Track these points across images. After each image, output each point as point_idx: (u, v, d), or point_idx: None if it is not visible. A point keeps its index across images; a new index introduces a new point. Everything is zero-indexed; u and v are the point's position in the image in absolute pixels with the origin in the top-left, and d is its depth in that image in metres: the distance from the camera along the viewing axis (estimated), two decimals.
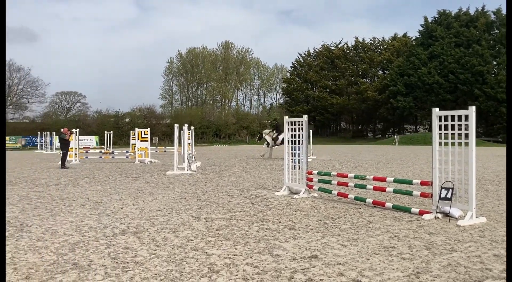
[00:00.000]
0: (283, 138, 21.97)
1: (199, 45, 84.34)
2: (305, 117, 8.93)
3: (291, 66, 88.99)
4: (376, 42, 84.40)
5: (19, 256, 4.58)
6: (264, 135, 23.47)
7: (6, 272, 4.02)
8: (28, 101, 63.22)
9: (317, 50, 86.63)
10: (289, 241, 5.17)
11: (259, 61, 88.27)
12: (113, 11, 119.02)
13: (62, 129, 19.25)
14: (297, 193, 8.88)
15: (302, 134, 9.06)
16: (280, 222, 6.30)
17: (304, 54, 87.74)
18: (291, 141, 9.46)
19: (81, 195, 9.34)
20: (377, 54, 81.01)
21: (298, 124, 9.15)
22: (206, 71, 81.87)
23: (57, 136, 21.71)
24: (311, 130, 25.90)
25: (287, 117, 9.66)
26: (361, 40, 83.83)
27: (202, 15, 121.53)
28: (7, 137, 51.83)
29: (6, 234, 5.61)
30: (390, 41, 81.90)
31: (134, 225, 6.13)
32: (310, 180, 8.93)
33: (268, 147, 22.94)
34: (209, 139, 65.87)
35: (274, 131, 23.02)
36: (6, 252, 4.71)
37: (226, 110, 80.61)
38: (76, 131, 21.59)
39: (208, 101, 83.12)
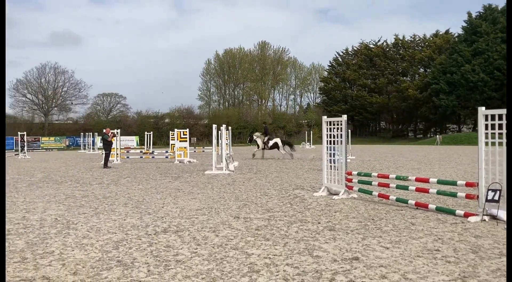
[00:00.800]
0: (273, 143, 23.19)
1: (236, 46, 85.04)
2: (344, 117, 8.81)
3: (329, 65, 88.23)
4: (417, 39, 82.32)
5: (66, 252, 4.76)
6: (255, 138, 24.41)
7: (55, 268, 4.19)
8: (72, 103, 65.61)
9: (355, 49, 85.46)
10: (329, 242, 5.12)
11: (295, 60, 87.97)
12: (153, 14, 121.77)
13: (104, 130, 19.86)
14: (336, 194, 8.77)
15: (341, 134, 8.95)
16: (319, 223, 6.24)
17: (342, 52, 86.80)
18: (330, 141, 9.35)
19: (123, 194, 9.60)
20: (418, 52, 78.98)
21: (337, 124, 9.05)
22: (242, 71, 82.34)
23: (100, 137, 22.59)
24: (349, 130, 25.65)
25: (325, 117, 9.56)
26: (401, 38, 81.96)
27: (239, 16, 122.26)
28: (52, 138, 54.05)
29: (54, 231, 5.85)
30: (431, 38, 79.63)
31: (175, 223, 6.24)
32: (350, 180, 8.80)
33: (258, 148, 23.86)
34: (246, 139, 66.15)
35: (265, 135, 24.02)
36: (54, 249, 4.90)
37: (263, 110, 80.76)
38: (117, 132, 22.22)
39: (245, 102, 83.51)
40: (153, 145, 42.65)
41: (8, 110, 60.29)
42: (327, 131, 9.30)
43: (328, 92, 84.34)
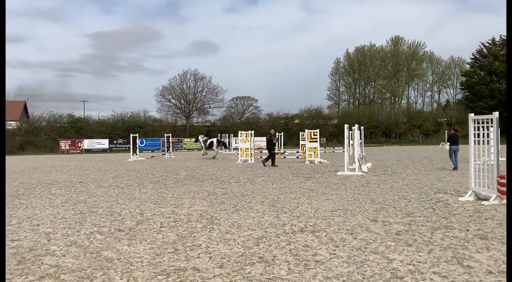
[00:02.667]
0: (210, 142, 27.73)
1: (367, 43, 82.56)
2: (496, 114, 7.95)
3: (471, 58, 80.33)
4: None
5: (212, 246, 5.10)
6: (200, 138, 29.00)
7: (203, 260, 4.52)
8: (210, 107, 70.41)
9: (504, 38, 76.48)
10: (481, 252, 4.64)
11: (432, 55, 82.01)
12: (282, 17, 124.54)
13: (271, 131, 21.35)
14: (486, 199, 7.94)
15: (489, 133, 8.09)
16: (468, 230, 5.71)
17: (488, 43, 78.32)
18: (477, 141, 8.52)
19: (259, 192, 9.98)
20: None
21: (486, 123, 8.20)
22: (374, 69, 79.56)
23: (267, 138, 24.58)
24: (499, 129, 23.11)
25: (472, 114, 8.74)
26: None
27: (369, 12, 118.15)
28: (193, 139, 58.76)
29: (200, 225, 6.32)
30: None
31: (311, 224, 6.27)
32: (503, 185, 7.88)
33: (205, 150, 28.19)
34: (378, 139, 63.79)
35: (206, 136, 28.44)
36: (201, 242, 5.29)
37: (396, 108, 76.95)
38: (251, 134, 23.26)
39: (377, 100, 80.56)
40: (283, 145, 43.66)
41: (155, 114, 67.17)
42: (474, 130, 8.48)
43: (471, 87, 76.86)
